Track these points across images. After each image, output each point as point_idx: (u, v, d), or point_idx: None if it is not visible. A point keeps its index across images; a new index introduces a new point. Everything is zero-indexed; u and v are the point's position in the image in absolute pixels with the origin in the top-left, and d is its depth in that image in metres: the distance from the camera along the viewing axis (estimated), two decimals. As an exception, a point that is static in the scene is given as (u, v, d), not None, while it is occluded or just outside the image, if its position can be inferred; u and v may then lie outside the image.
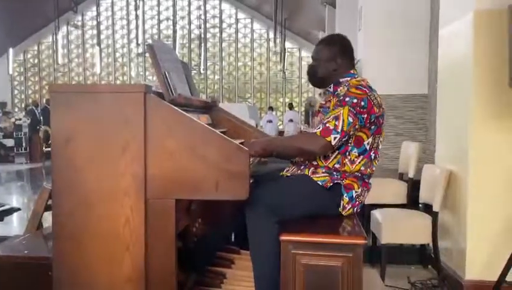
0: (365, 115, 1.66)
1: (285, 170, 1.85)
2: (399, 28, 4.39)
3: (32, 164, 10.11)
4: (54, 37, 13.88)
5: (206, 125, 1.49)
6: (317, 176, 1.70)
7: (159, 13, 16.07)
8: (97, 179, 1.46)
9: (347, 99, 1.66)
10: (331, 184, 1.68)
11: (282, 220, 1.62)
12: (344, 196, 1.70)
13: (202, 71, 15.60)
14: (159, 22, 16.07)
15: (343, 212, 1.72)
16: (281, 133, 11.70)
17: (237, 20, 15.81)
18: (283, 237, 1.53)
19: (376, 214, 2.85)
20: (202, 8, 15.82)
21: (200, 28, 15.80)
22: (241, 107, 9.62)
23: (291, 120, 11.77)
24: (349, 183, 1.71)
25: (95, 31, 15.06)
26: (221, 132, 1.57)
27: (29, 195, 6.23)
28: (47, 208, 2.24)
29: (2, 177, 8.32)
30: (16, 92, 16.49)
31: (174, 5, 15.72)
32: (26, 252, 1.80)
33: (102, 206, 1.46)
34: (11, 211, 3.03)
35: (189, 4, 15.92)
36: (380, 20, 4.47)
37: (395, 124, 4.44)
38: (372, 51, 4.53)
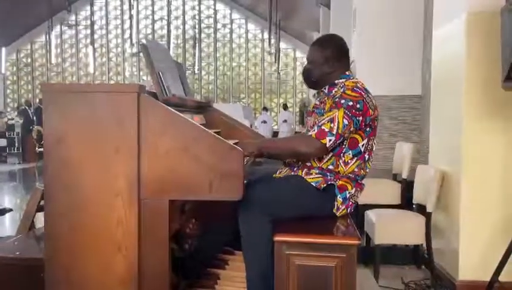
0: (360, 118, 1.66)
1: (278, 172, 1.84)
2: (393, 29, 4.41)
3: (25, 164, 10.03)
4: (47, 37, 13.76)
5: (200, 125, 1.48)
6: (311, 177, 1.70)
7: (153, 13, 16.00)
8: (90, 179, 1.45)
9: (342, 101, 1.66)
10: (324, 185, 1.68)
11: (275, 221, 1.61)
12: (338, 197, 1.70)
13: (196, 71, 15.56)
14: (153, 21, 16.01)
15: (338, 213, 1.72)
16: (275, 133, 11.71)
17: (232, 21, 15.79)
18: (277, 238, 1.53)
19: (370, 214, 2.86)
20: (197, 8, 15.79)
21: (195, 28, 15.77)
22: (236, 108, 9.61)
23: (285, 121, 11.77)
24: (342, 184, 1.71)
25: (88, 31, 14.97)
26: (215, 132, 1.56)
27: (22, 196, 6.18)
28: (39, 208, 2.22)
29: (-6, 178, 8.25)
30: (8, 91, 16.33)
31: (168, 5, 15.67)
32: (18, 253, 1.79)
33: (95, 206, 1.45)
34: (3, 211, 3.01)
35: (184, 4, 15.87)
36: (374, 21, 4.49)
37: (389, 124, 4.46)
38: (366, 51, 4.55)
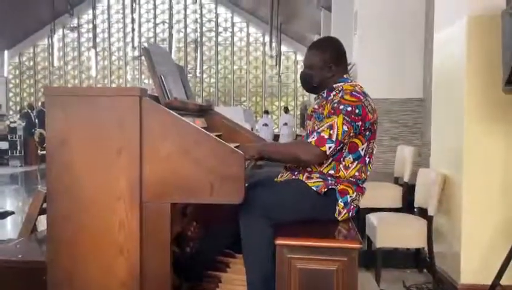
0: (360, 123, 1.65)
1: (279, 176, 1.84)
2: (394, 32, 4.41)
3: (27, 167, 10.05)
4: (50, 40, 13.83)
5: (201, 129, 1.49)
6: (312, 181, 1.69)
7: (155, 16, 16.05)
8: (92, 182, 1.46)
9: (341, 107, 1.64)
10: (325, 189, 1.68)
11: (276, 225, 1.61)
12: (339, 201, 1.70)
13: (198, 74, 15.59)
14: (155, 25, 16.05)
15: (339, 218, 1.72)
16: (276, 136, 11.71)
17: (233, 24, 15.82)
18: (278, 241, 1.53)
19: (371, 218, 2.85)
20: (198, 11, 15.84)
21: (196, 31, 15.81)
22: (237, 111, 9.60)
23: (285, 124, 11.77)
24: (343, 188, 1.71)
25: (90, 34, 15.03)
26: (217, 136, 1.57)
27: (24, 198, 6.19)
28: (42, 211, 2.23)
29: (-4, 181, 8.26)
30: (11, 94, 16.39)
31: (170, 9, 15.72)
32: (20, 256, 1.79)
33: (97, 209, 1.46)
34: (5, 214, 3.01)
35: (185, 8, 15.92)
36: (375, 24, 4.50)
37: (390, 128, 4.46)
38: (367, 54, 4.55)
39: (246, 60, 15.84)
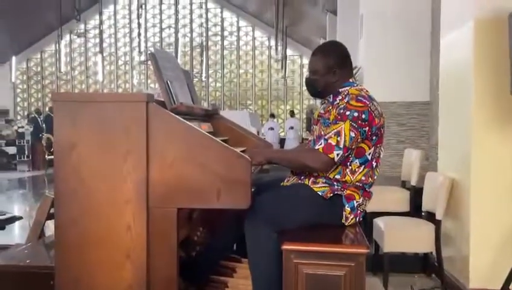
0: (367, 128, 1.65)
1: (285, 180, 1.84)
2: (400, 35, 4.41)
3: (35, 172, 10.14)
4: (57, 46, 13.97)
5: (207, 133, 1.49)
6: (317, 186, 1.69)
7: (161, 21, 16.17)
8: (99, 187, 1.47)
9: (348, 113, 1.64)
10: (331, 195, 1.67)
11: (282, 230, 1.61)
12: (346, 207, 1.69)
13: (204, 79, 15.65)
14: (161, 30, 16.17)
15: (346, 223, 1.71)
16: (282, 140, 11.70)
17: (239, 28, 15.89)
18: (285, 246, 1.53)
19: (378, 222, 2.84)
20: (204, 16, 15.93)
21: (202, 35, 15.89)
22: (243, 115, 9.62)
23: (292, 127, 11.77)
24: (350, 193, 1.70)
25: (97, 40, 15.17)
26: (223, 140, 1.57)
27: (31, 203, 6.23)
28: (49, 216, 2.24)
29: (4, 185, 8.33)
30: (18, 99, 16.56)
31: (176, 14, 15.83)
32: (28, 261, 1.80)
33: (104, 214, 1.47)
34: (13, 219, 3.03)
35: (191, 12, 16.02)
36: (381, 28, 4.49)
37: (397, 131, 4.44)
38: (373, 58, 4.54)
39: (251, 63, 15.89)
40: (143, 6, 14.08)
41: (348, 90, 1.75)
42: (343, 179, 1.70)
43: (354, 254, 1.50)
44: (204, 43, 15.70)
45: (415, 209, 3.14)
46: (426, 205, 2.76)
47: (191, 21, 16.06)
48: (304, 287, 1.51)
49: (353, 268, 1.49)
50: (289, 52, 14.49)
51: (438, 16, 3.32)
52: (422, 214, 2.98)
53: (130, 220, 1.46)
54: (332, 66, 1.77)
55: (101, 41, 14.15)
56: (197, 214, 1.93)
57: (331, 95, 1.79)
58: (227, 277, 1.93)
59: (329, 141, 1.62)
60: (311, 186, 1.70)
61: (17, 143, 10.82)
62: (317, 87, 1.82)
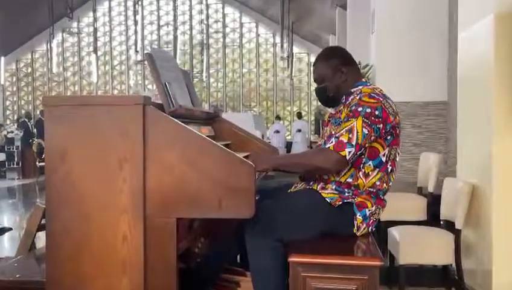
0: (381, 125, 1.65)
1: (293, 187, 1.84)
2: (415, 30, 4.40)
3: (25, 180, 10.18)
4: (48, 45, 14.09)
5: (207, 138, 1.50)
6: (326, 192, 1.69)
7: (158, 18, 16.26)
8: (94, 195, 1.48)
9: (360, 109, 1.65)
10: (340, 203, 1.66)
11: (289, 240, 1.60)
12: (357, 215, 1.68)
13: (204, 79, 15.72)
14: (159, 27, 16.26)
15: (358, 233, 1.70)
16: (289, 144, 11.69)
17: (241, 25, 15.94)
18: (292, 259, 1.53)
19: (393, 232, 2.83)
20: (204, 12, 16.00)
21: (202, 33, 15.96)
22: (246, 117, 9.63)
23: (299, 130, 11.75)
24: (361, 201, 1.69)
25: (91, 38, 15.28)
26: (225, 145, 1.58)
27: (22, 213, 6.27)
28: (41, 227, 2.25)
29: (-7, 194, 8.39)
30: (7, 103, 16.69)
31: (174, 10, 15.92)
32: (18, 275, 1.81)
33: (99, 224, 1.48)
34: (2, 231, 3.05)
35: (191, 9, 16.10)
36: (395, 23, 4.49)
37: (412, 133, 4.43)
38: (386, 55, 4.54)
39: (255, 62, 15.92)
40: (139, 2, 14.18)
41: (361, 89, 1.76)
42: (356, 183, 1.69)
43: (367, 267, 1.49)
44: (204, 41, 15.77)
45: (433, 218, 3.12)
46: (445, 213, 2.74)
47: (191, 17, 16.13)
48: (313, 303, 1.51)
49: (366, 282, 1.49)
50: (295, 49, 14.52)
51: (456, 9, 3.32)
52: (441, 223, 2.96)
53: (126, 231, 1.46)
54: (338, 65, 1.80)
55: (95, 40, 14.24)
56: (198, 224, 1.93)
57: (344, 96, 1.81)
58: (230, 292, 1.93)
59: (341, 138, 1.62)
60: (320, 191, 1.69)
61: (6, 149, 10.87)
62: (328, 93, 1.84)
